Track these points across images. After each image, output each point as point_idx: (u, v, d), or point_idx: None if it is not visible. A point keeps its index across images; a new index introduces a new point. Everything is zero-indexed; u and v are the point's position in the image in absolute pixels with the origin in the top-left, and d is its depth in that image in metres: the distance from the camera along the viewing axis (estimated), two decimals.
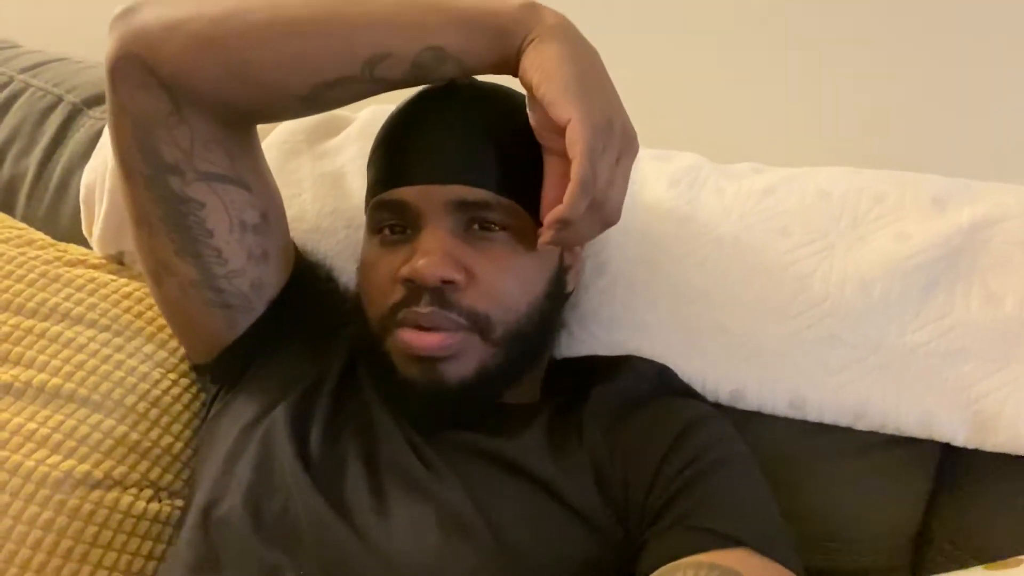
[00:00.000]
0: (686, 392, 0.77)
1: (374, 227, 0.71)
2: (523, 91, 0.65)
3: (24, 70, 1.01)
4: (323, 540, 0.63)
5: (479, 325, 0.67)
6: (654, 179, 0.85)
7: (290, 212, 0.81)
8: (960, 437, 0.74)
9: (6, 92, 0.99)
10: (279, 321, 0.75)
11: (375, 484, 0.67)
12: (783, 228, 0.80)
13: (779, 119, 1.04)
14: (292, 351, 0.75)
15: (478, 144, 0.68)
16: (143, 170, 0.68)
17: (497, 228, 0.68)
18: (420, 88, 0.71)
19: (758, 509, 0.64)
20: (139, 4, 0.66)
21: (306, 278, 0.79)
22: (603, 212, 0.63)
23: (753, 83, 1.05)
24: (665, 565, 0.58)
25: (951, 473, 0.77)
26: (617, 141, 0.62)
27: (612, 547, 0.64)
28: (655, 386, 0.74)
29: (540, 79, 0.61)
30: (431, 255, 0.65)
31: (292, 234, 0.80)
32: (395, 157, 0.70)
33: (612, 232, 0.81)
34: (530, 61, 0.62)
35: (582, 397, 0.72)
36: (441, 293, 0.66)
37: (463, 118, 0.69)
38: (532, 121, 0.64)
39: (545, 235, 0.62)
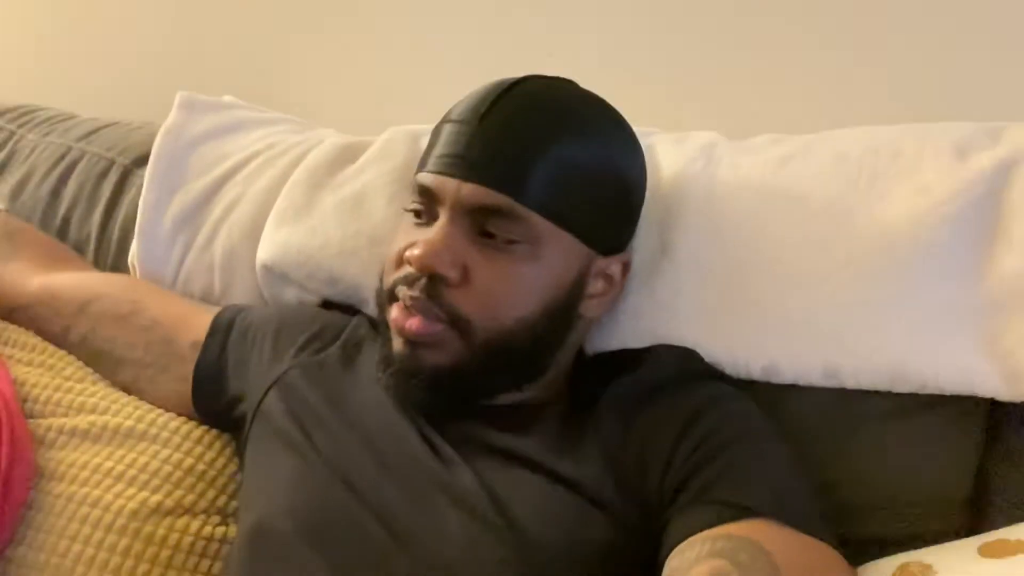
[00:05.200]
0: (709, 374, 0.76)
1: (409, 206, 0.73)
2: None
3: (80, 139, 1.09)
4: (357, 541, 0.66)
5: (459, 325, 0.68)
6: (670, 162, 0.85)
7: (316, 241, 0.86)
8: (1002, 391, 0.71)
9: (66, 161, 1.07)
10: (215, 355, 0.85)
11: (400, 483, 0.69)
12: (801, 195, 0.79)
13: (797, 88, 1.02)
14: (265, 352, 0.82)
15: (513, 149, 0.67)
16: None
17: (516, 241, 0.68)
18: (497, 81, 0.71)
19: (776, 480, 0.64)
20: None
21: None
22: None
23: (767, 56, 1.03)
24: (682, 543, 0.59)
25: (1003, 429, 0.74)
26: None
27: (627, 530, 0.65)
28: (677, 371, 0.74)
29: None
30: (432, 246, 0.67)
31: (320, 260, 0.86)
32: (433, 141, 0.72)
33: None
34: None
35: (602, 391, 0.73)
36: (433, 284, 0.68)
37: (510, 118, 0.68)
38: None
39: None
